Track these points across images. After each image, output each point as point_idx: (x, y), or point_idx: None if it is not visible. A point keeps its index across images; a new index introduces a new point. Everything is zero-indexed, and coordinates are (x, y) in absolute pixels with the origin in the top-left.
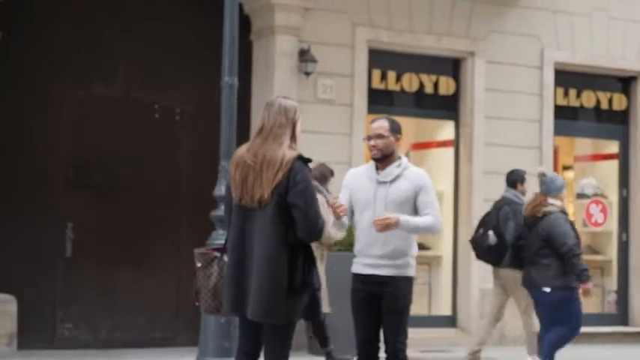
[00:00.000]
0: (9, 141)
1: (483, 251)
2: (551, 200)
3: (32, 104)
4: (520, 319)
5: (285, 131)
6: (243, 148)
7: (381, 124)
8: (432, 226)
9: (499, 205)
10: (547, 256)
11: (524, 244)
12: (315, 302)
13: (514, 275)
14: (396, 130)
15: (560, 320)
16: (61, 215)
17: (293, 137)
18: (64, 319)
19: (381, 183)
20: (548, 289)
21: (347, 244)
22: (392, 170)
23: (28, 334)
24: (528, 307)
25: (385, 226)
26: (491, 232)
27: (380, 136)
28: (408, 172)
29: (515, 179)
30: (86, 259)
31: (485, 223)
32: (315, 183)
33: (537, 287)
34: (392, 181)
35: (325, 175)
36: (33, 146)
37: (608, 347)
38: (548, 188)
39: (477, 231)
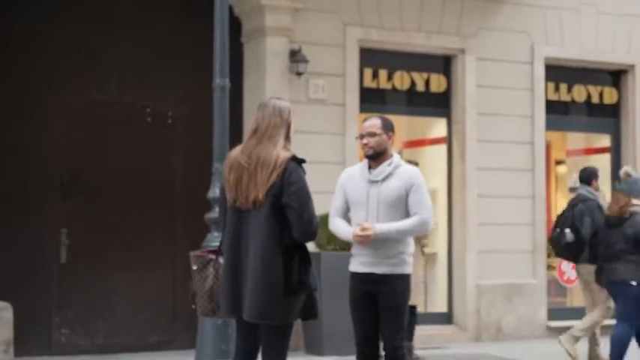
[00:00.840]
0: (3, 147)
1: (562, 249)
2: (635, 201)
3: (26, 109)
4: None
5: (279, 132)
6: (237, 149)
7: (373, 122)
8: (416, 227)
9: (574, 203)
10: (634, 253)
11: (605, 242)
12: (312, 302)
13: (593, 270)
14: (388, 127)
15: (633, 316)
16: (55, 221)
17: (287, 138)
18: (61, 325)
19: (372, 182)
20: (634, 283)
21: (342, 244)
22: (383, 169)
23: (24, 341)
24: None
25: (365, 239)
26: (567, 230)
27: (372, 134)
28: (400, 171)
29: (589, 176)
30: (81, 264)
31: (561, 221)
32: None
33: (622, 281)
34: (383, 180)
35: None
36: (27, 152)
37: (604, 339)
38: (631, 189)
39: (553, 230)
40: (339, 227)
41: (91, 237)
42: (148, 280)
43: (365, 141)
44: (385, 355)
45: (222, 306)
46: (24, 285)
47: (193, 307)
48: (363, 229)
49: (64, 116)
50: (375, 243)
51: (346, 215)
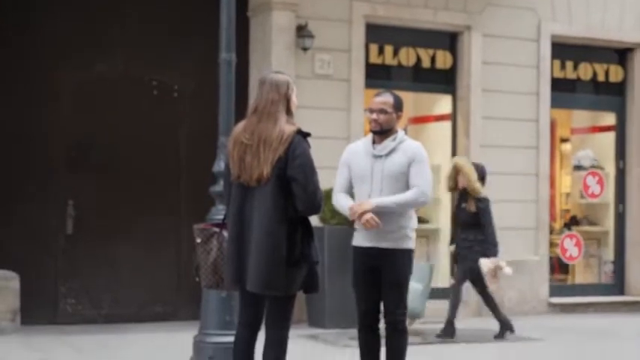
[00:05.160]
0: (11, 121)
1: None
2: None
3: (33, 84)
4: None
5: (279, 108)
6: (240, 125)
7: (386, 99)
8: (414, 200)
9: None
10: None
11: None
12: (313, 275)
13: None
14: (398, 107)
15: None
16: (62, 193)
17: (289, 112)
18: (67, 295)
19: (376, 157)
20: None
21: (346, 218)
22: (387, 144)
23: (31, 310)
24: None
25: (364, 216)
26: None
27: (383, 112)
28: (404, 146)
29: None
30: (87, 235)
31: None
32: None
33: None
34: (387, 155)
35: None
36: (35, 126)
37: (604, 316)
38: None
39: None
40: (340, 202)
41: (97, 209)
42: (152, 251)
43: (374, 116)
44: (386, 329)
45: (227, 278)
46: (31, 255)
47: (197, 279)
48: (361, 206)
49: (71, 90)
50: (378, 217)
51: (350, 192)
